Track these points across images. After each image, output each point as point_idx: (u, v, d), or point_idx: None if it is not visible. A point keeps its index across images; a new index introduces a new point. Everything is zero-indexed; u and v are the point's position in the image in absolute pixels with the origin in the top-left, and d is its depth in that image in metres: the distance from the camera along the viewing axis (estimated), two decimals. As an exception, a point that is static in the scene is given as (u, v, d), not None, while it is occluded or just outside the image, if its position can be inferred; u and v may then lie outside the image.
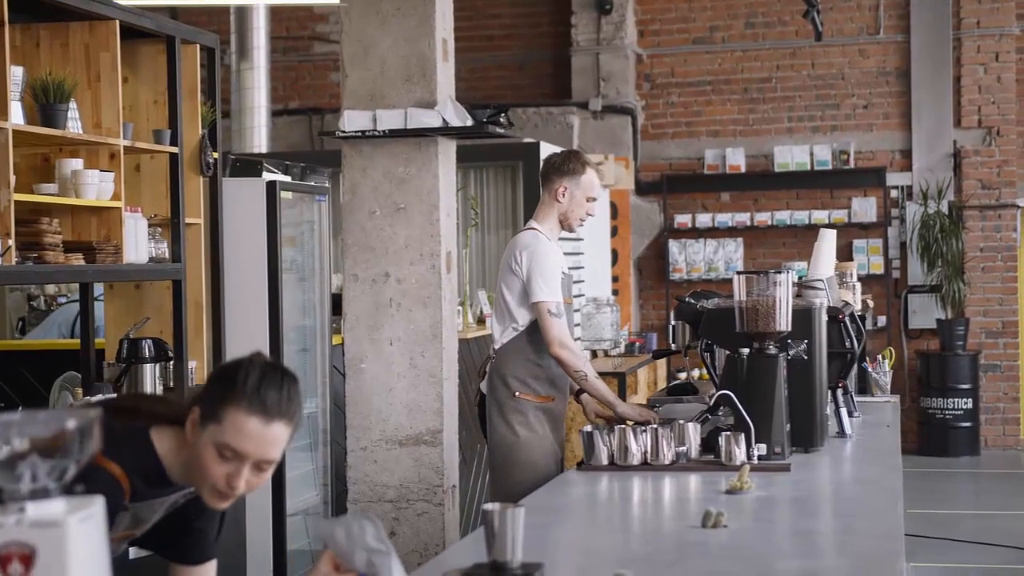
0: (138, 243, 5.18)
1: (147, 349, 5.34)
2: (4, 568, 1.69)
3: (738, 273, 4.45)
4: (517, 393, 5.14)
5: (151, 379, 5.34)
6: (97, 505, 1.78)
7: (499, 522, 2.70)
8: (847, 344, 4.99)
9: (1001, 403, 12.49)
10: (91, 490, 2.41)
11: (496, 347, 5.26)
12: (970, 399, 12.14)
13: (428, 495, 5.75)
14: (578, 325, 9.69)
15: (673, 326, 5.13)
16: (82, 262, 4.88)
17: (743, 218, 12.69)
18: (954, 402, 12.12)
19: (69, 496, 1.76)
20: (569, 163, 5.27)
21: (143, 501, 2.64)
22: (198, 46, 5.78)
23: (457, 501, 6.00)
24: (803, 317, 4.53)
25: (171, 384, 5.50)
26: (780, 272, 4.40)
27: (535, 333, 5.11)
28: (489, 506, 2.71)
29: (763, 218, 12.65)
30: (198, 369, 5.74)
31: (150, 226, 5.40)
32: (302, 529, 6.64)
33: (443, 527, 5.74)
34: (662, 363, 11.04)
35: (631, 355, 10.36)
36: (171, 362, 5.47)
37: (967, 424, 12.16)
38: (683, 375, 12.16)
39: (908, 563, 7.60)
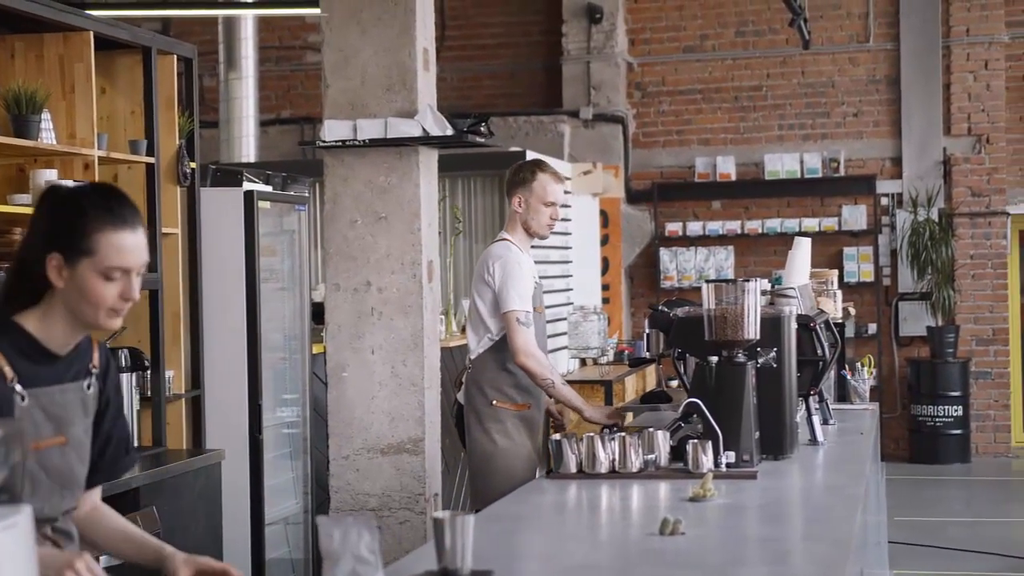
0: (113, 253, 5.19)
1: (124, 358, 5.35)
2: (-74, 576, 1.70)
3: (707, 281, 4.47)
4: (494, 402, 5.21)
5: (128, 388, 5.35)
6: (23, 514, 1.80)
7: (449, 530, 2.72)
8: (819, 352, 5.00)
9: (991, 410, 12.50)
10: None
11: (472, 357, 5.33)
12: (961, 406, 12.15)
13: (410, 503, 5.76)
14: (563, 334, 9.71)
15: (648, 334, 5.15)
16: (56, 272, 4.89)
17: (734, 226, 12.71)
18: (944, 409, 12.13)
19: (-7, 505, 1.78)
20: (520, 173, 5.40)
21: (38, 387, 2.63)
22: (175, 57, 5.80)
23: (439, 509, 6.01)
24: (772, 325, 4.54)
25: (148, 394, 5.52)
26: (748, 281, 4.41)
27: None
28: (439, 514, 2.74)
29: (754, 226, 12.67)
30: (175, 379, 5.76)
31: (127, 236, 5.41)
32: (282, 538, 6.65)
33: (425, 535, 5.75)
34: (651, 371, 11.04)
35: (620, 363, 10.36)
36: (148, 371, 5.48)
37: (958, 431, 12.17)
38: (675, 383, 12.15)
39: (892, 571, 7.60)
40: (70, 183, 2.77)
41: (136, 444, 5.36)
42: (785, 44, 12.73)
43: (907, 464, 12.07)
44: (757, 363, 4.45)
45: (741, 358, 4.40)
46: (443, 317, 7.65)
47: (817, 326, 5.01)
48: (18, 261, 2.70)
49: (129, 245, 2.64)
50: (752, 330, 4.39)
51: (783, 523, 3.71)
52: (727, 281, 4.44)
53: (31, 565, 1.80)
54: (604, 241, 12.26)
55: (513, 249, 5.25)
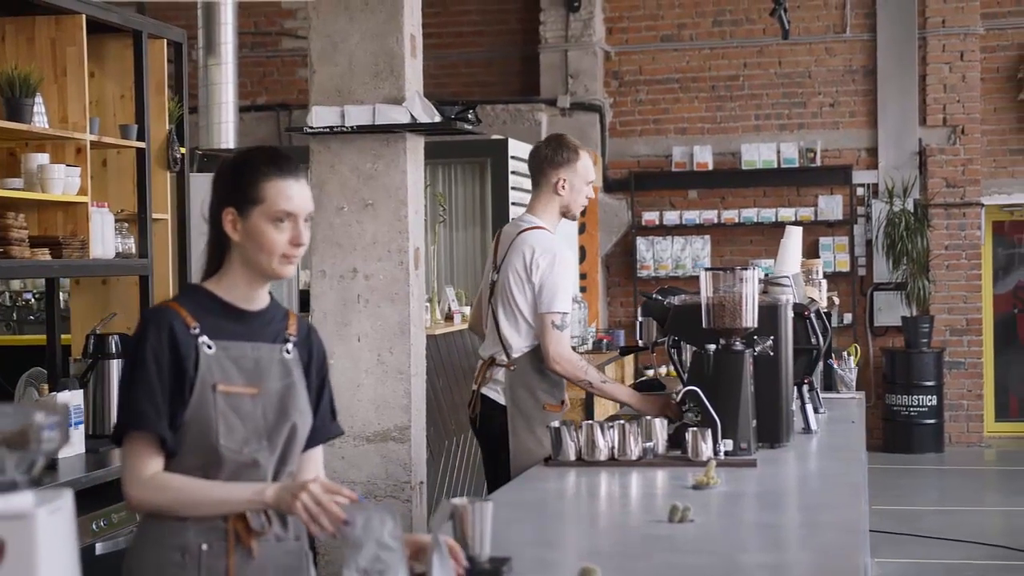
0: (104, 238, 5.16)
1: (114, 345, 5.30)
2: (-28, 561, 1.69)
3: (705, 269, 4.47)
4: (546, 405, 4.98)
5: (117, 375, 5.31)
6: (67, 498, 1.78)
7: (468, 517, 2.72)
8: (813, 340, 5.02)
9: (965, 400, 12.59)
10: (143, 324, 2.74)
11: (514, 355, 5.00)
12: (934, 396, 12.23)
13: (396, 491, 5.75)
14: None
15: (640, 322, 5.12)
16: (48, 257, 4.86)
17: (710, 215, 12.74)
18: (918, 399, 12.21)
19: (37, 489, 1.76)
20: (562, 152, 5.03)
21: (226, 340, 2.81)
22: (165, 41, 5.76)
23: (425, 497, 6.01)
24: (769, 313, 4.55)
25: (138, 380, 5.48)
26: (746, 269, 4.42)
27: None
28: (458, 501, 2.72)
29: (730, 216, 12.71)
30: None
31: (117, 221, 5.37)
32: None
33: (411, 523, 5.74)
34: (630, 360, 11.09)
35: (599, 352, 10.38)
36: (138, 358, 5.44)
37: (931, 421, 12.25)
38: (650, 372, 12.20)
39: (872, 558, 7.65)
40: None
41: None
42: (762, 34, 12.76)
43: (881, 453, 12.14)
44: (754, 351, 4.46)
45: (739, 346, 4.40)
46: (427, 305, 7.63)
47: (811, 315, 5.03)
48: (209, 234, 2.89)
49: (294, 191, 2.82)
50: (750, 318, 4.39)
51: (790, 511, 3.73)
52: (725, 269, 4.44)
53: (73, 548, 1.78)
54: (581, 230, 12.26)
55: (558, 243, 4.95)
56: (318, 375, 2.97)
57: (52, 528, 1.73)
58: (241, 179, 2.84)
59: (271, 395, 2.85)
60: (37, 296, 8.84)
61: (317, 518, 2.66)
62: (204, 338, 2.78)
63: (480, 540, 2.73)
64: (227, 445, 2.77)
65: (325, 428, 3.01)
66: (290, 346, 2.91)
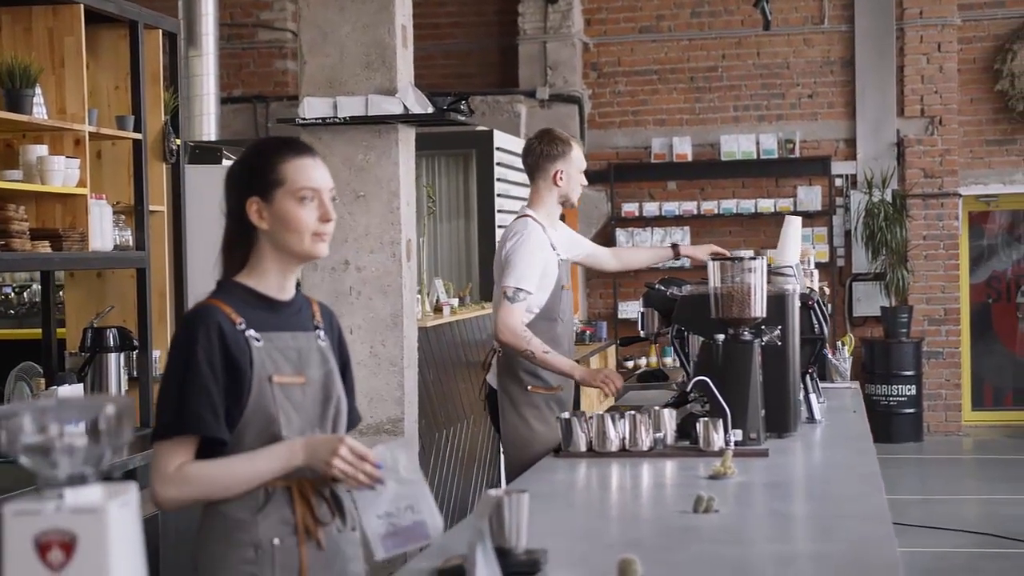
0: (103, 230, 5.11)
1: (111, 338, 5.26)
2: (44, 556, 1.66)
3: (713, 259, 4.45)
4: (529, 387, 5.10)
5: (115, 368, 5.27)
6: (132, 492, 1.75)
7: (505, 508, 2.70)
8: (816, 330, 5.02)
9: (943, 389, 12.65)
10: (190, 323, 2.75)
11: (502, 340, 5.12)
12: (913, 386, 12.28)
13: (389, 484, 5.72)
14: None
15: (642, 313, 5.12)
16: (48, 250, 4.80)
17: (690, 207, 12.75)
18: (898, 389, 12.26)
19: (106, 482, 1.74)
20: (555, 146, 5.23)
21: (269, 331, 2.79)
22: (160, 31, 5.70)
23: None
24: (777, 303, 4.54)
25: (135, 374, 5.43)
26: (755, 258, 4.41)
27: (540, 323, 5.05)
28: (494, 492, 2.71)
29: (710, 207, 12.72)
30: (162, 358, 5.67)
31: (114, 213, 5.32)
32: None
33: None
34: (611, 351, 11.08)
35: (581, 343, 10.38)
36: (135, 351, 5.40)
37: (911, 410, 12.31)
38: (630, 364, 12.21)
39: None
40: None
41: (126, 425, 5.26)
42: (740, 25, 12.78)
43: (861, 443, 12.18)
44: (762, 341, 4.45)
45: (747, 336, 4.40)
46: (418, 297, 7.60)
47: (814, 303, 5.04)
48: (225, 233, 2.86)
49: (310, 167, 2.83)
50: (759, 308, 4.38)
51: (810, 500, 3.72)
52: (733, 259, 4.43)
53: (140, 541, 1.76)
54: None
55: (531, 225, 5.10)
56: (341, 359, 2.97)
57: (122, 521, 1.71)
58: (258, 167, 2.82)
59: (315, 383, 2.84)
60: (17, 290, 8.76)
61: (359, 472, 2.67)
62: (251, 332, 2.77)
63: (517, 531, 2.71)
64: (288, 436, 2.75)
65: (354, 412, 3.00)
66: (322, 333, 2.90)
